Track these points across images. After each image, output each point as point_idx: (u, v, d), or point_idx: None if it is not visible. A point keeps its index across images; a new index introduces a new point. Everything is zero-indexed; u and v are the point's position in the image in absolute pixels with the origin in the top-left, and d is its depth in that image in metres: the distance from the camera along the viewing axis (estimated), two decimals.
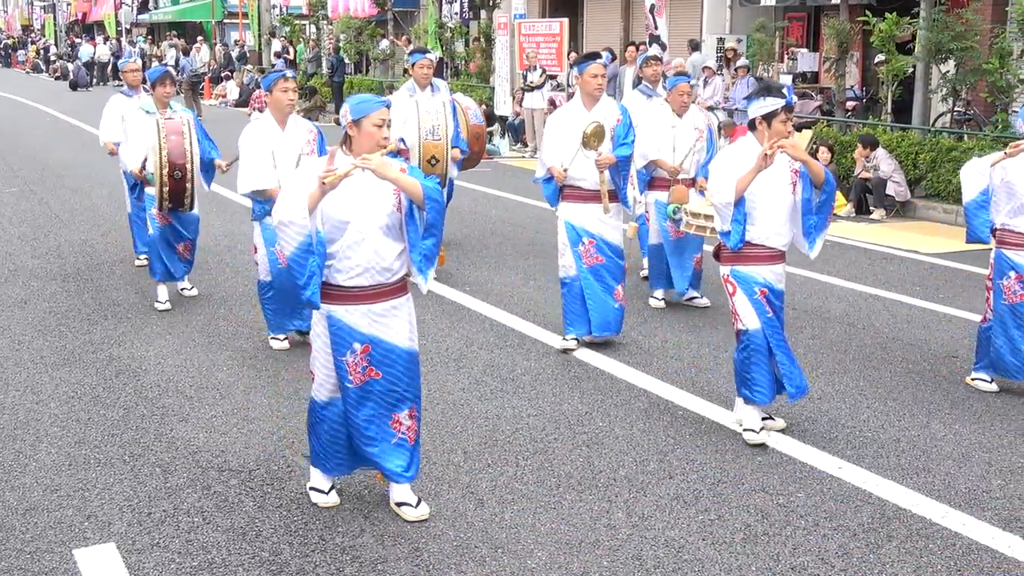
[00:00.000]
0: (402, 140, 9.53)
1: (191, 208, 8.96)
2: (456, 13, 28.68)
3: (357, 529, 5.20)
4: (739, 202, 6.16)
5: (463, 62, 27.28)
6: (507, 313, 9.12)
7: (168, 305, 9.23)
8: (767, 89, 6.24)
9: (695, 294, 9.44)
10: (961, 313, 9.27)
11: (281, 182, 7.39)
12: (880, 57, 16.12)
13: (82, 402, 6.99)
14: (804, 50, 21.54)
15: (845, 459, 6.09)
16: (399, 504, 5.34)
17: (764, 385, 6.28)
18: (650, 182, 9.31)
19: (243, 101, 32.55)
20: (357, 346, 5.15)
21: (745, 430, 6.37)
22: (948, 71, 15.28)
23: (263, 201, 7.67)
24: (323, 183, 4.88)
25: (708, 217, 8.33)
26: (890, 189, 14.16)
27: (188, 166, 8.50)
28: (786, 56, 21.34)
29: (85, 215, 13.89)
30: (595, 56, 8.09)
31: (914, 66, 15.64)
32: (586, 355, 7.96)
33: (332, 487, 5.49)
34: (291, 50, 35.31)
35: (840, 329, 8.81)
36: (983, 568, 4.89)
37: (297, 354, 7.84)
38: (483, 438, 6.37)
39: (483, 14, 26.62)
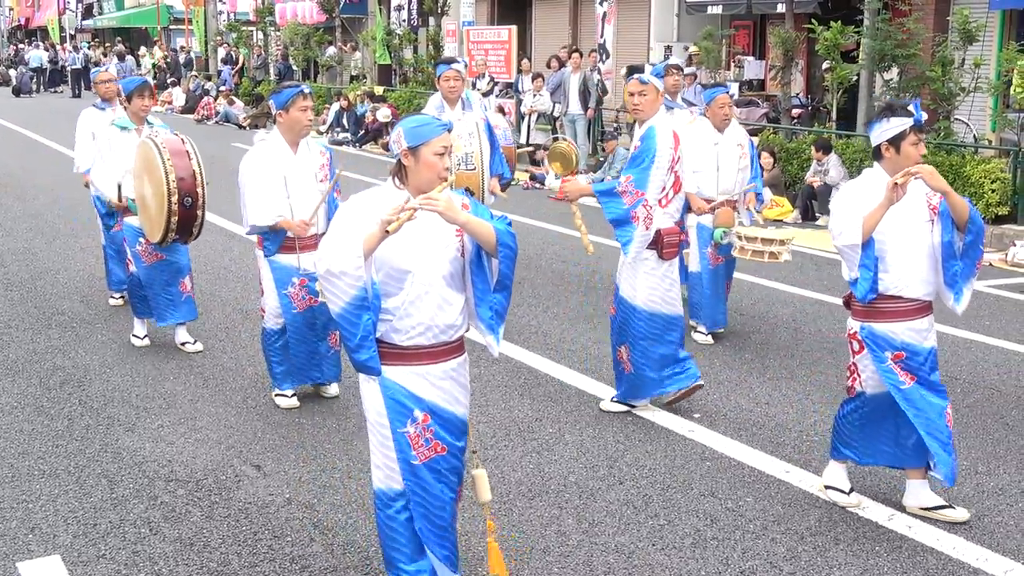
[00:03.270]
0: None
1: (198, 237, 7.79)
2: (404, 20, 28.67)
3: (307, 538, 5.16)
4: (867, 244, 5.26)
5: (411, 69, 27.22)
6: None
7: (147, 341, 8.31)
8: (890, 108, 5.25)
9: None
10: None
11: (295, 213, 6.66)
12: (826, 65, 16.32)
13: (25, 412, 6.88)
14: (750, 58, 21.74)
15: (793, 463, 6.14)
16: None
17: (864, 448, 5.56)
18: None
19: (190, 108, 32.34)
20: (418, 414, 4.27)
21: (827, 488, 5.65)
22: (892, 79, 15.51)
23: (274, 236, 6.74)
24: (387, 231, 4.03)
25: (766, 241, 7.93)
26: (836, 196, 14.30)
27: (199, 191, 7.45)
28: (733, 64, 21.53)
29: (28, 223, 13.68)
30: (636, 70, 6.88)
31: (858, 74, 15.86)
32: (535, 362, 7.96)
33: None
34: (238, 57, 35.07)
35: (786, 334, 8.89)
36: (929, 570, 4.95)
37: (244, 363, 7.79)
38: None
39: (431, 21, 26.62)
